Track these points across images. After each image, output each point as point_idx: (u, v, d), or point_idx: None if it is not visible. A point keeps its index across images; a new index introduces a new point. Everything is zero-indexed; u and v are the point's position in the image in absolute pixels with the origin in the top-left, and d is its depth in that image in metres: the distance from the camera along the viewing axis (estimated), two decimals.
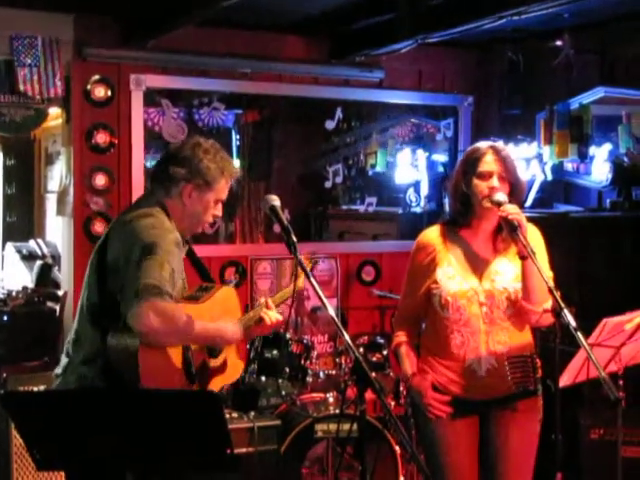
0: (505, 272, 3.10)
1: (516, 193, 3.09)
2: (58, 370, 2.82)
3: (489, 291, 3.08)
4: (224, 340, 2.86)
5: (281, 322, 3.06)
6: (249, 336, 3.10)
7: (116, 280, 2.66)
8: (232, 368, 2.98)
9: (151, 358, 2.61)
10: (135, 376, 2.57)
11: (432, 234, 3.20)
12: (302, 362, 4.50)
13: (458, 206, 3.14)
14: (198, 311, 2.78)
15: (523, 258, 2.95)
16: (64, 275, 5.56)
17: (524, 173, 5.34)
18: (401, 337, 3.23)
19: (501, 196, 3.01)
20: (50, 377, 2.91)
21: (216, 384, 2.92)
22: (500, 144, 3.24)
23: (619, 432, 3.20)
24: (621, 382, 3.20)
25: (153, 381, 2.59)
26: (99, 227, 5.14)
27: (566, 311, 2.70)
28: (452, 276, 3.10)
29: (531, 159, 5.50)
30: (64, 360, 2.81)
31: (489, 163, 3.06)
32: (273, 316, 3.03)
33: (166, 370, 2.68)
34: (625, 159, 4.96)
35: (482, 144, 3.15)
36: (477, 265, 3.12)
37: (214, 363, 2.90)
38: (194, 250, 3.07)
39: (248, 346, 4.51)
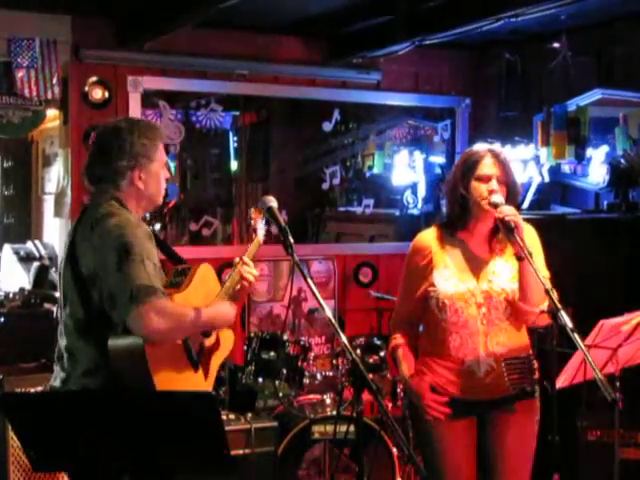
0: (502, 273, 3.10)
1: (513, 195, 3.11)
2: (56, 383, 2.74)
3: (486, 292, 3.08)
4: (226, 321, 2.83)
5: (257, 276, 2.98)
6: (237, 299, 2.99)
7: (97, 292, 2.61)
8: (225, 340, 2.95)
9: (156, 354, 2.57)
10: (146, 376, 2.53)
11: (428, 236, 3.21)
12: (299, 364, 4.50)
13: (455, 208, 3.15)
14: (185, 298, 2.74)
15: (520, 259, 2.95)
16: (62, 276, 5.55)
17: (521, 175, 5.34)
18: (398, 339, 3.23)
19: (498, 198, 3.02)
20: (47, 378, 2.89)
21: (216, 361, 2.89)
22: (498, 147, 3.25)
23: (616, 434, 3.20)
24: (618, 384, 3.20)
25: (163, 376, 2.56)
26: None
27: (563, 312, 2.71)
28: (449, 278, 3.11)
29: (528, 161, 5.50)
30: (61, 374, 2.72)
31: (488, 166, 3.07)
32: (252, 271, 2.94)
33: (172, 362, 2.65)
34: (622, 161, 4.97)
35: (480, 147, 3.16)
36: (474, 267, 3.13)
37: (209, 342, 2.87)
38: (157, 234, 3.03)
39: (245, 347, 4.51)
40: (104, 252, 2.60)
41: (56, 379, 2.75)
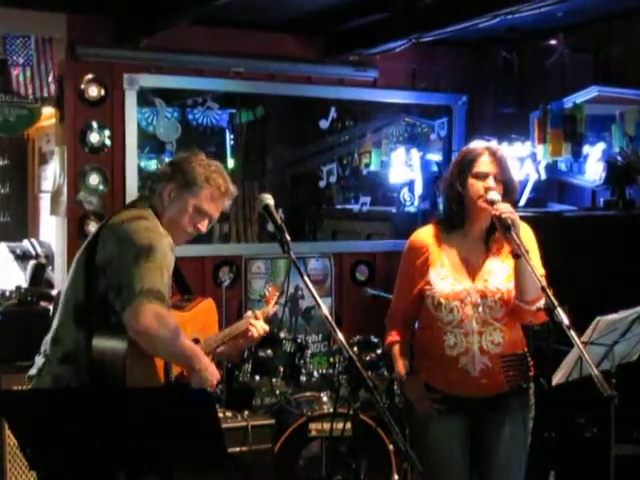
0: (498, 272, 3.10)
1: (510, 193, 3.11)
2: (33, 371, 2.77)
3: (482, 291, 3.08)
4: (200, 373, 2.75)
5: (267, 331, 3.14)
6: (236, 347, 3.12)
7: (105, 280, 2.64)
8: (208, 382, 2.96)
9: (137, 364, 2.60)
10: (120, 379, 2.56)
11: (425, 234, 3.21)
12: (296, 361, 4.51)
13: (452, 206, 3.15)
14: (182, 319, 2.77)
15: (516, 257, 2.95)
16: (58, 275, 5.55)
17: (518, 172, 5.34)
18: (394, 337, 3.24)
19: (494, 195, 3.02)
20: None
21: None
22: (495, 144, 3.25)
23: (612, 430, 3.20)
24: (614, 380, 3.21)
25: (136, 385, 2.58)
26: (93, 227, 5.12)
27: (559, 309, 2.70)
28: (445, 277, 3.11)
29: (525, 158, 5.50)
30: (40, 361, 2.76)
31: (485, 164, 3.07)
32: (261, 326, 3.09)
33: (149, 380, 2.67)
34: (619, 158, 4.97)
35: (477, 144, 3.16)
36: (470, 266, 3.13)
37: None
38: (177, 263, 3.04)
39: None
40: (127, 245, 2.63)
41: (34, 367, 2.78)
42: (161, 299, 2.55)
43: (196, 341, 2.87)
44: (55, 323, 2.78)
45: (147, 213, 2.77)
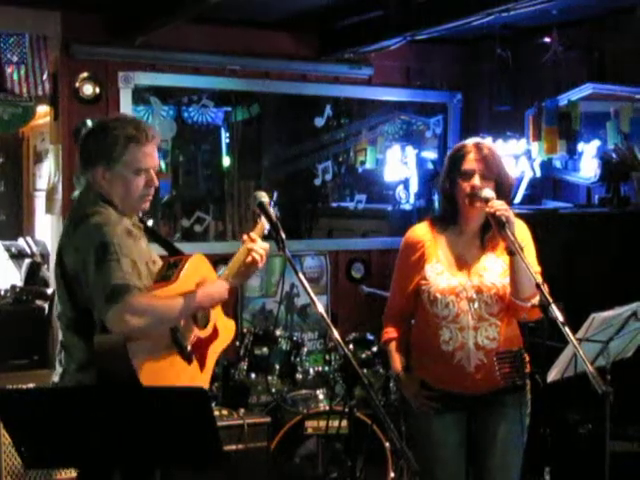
0: (493, 268, 3.11)
1: (502, 190, 3.10)
2: (55, 378, 2.78)
3: (478, 287, 3.08)
4: (213, 300, 2.78)
5: (267, 250, 2.89)
6: (245, 277, 2.95)
7: (82, 290, 2.64)
8: (225, 330, 2.94)
9: (142, 349, 2.58)
10: (129, 371, 2.54)
11: (420, 231, 3.21)
12: (292, 359, 4.51)
13: (445, 204, 3.16)
14: (175, 291, 2.73)
15: (511, 254, 2.95)
16: (53, 273, 5.54)
17: (513, 170, 5.35)
18: (390, 333, 3.24)
19: (488, 192, 3.02)
20: (39, 375, 2.91)
21: (215, 351, 2.87)
22: (485, 141, 3.25)
23: (607, 427, 3.21)
24: (609, 377, 3.21)
25: (151, 370, 2.57)
26: None
27: (554, 306, 2.71)
28: (441, 272, 3.11)
29: (520, 156, 5.50)
30: (59, 369, 2.78)
31: (471, 162, 3.07)
32: (260, 247, 2.87)
33: (161, 356, 2.65)
34: (613, 155, 4.97)
35: (468, 142, 3.16)
36: (465, 261, 3.13)
37: (205, 333, 2.85)
38: (154, 228, 3.02)
39: (238, 342, 4.51)
40: (84, 252, 2.62)
41: (56, 375, 2.79)
42: (126, 291, 2.53)
43: None
44: (60, 336, 2.79)
45: (95, 206, 2.70)
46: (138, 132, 2.75)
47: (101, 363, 2.58)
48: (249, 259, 2.86)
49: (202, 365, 2.80)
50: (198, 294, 2.74)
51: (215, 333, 2.90)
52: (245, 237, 2.89)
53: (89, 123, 2.81)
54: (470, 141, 3.15)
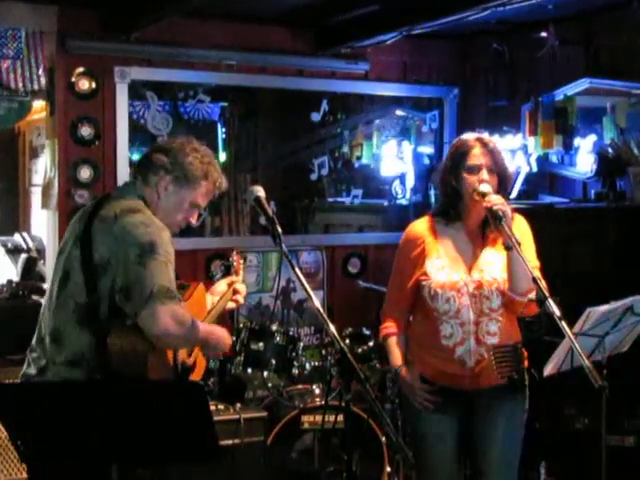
0: (494, 263, 3.11)
1: (504, 185, 3.11)
2: (31, 370, 2.68)
3: (478, 282, 3.08)
4: (219, 343, 2.84)
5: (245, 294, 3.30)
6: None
7: (107, 280, 2.58)
8: (199, 366, 2.99)
9: (155, 358, 2.60)
10: (142, 375, 2.55)
11: (421, 226, 3.21)
12: (288, 354, 4.50)
13: (447, 199, 3.15)
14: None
15: (508, 248, 2.95)
16: (49, 268, 5.54)
17: (509, 164, 5.34)
18: (390, 328, 3.24)
19: (485, 187, 3.02)
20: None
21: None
22: (487, 136, 3.25)
23: (603, 421, 3.21)
24: (605, 371, 3.22)
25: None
26: None
27: (550, 300, 2.71)
28: (441, 267, 3.11)
29: (516, 150, 5.51)
30: (40, 361, 2.67)
31: (477, 156, 3.07)
32: (243, 291, 3.25)
33: (164, 369, 2.68)
34: (610, 150, 4.98)
35: (469, 136, 3.15)
36: (466, 256, 3.13)
37: (189, 362, 2.89)
38: None
39: (234, 338, 4.51)
40: (126, 244, 2.57)
41: (31, 366, 2.69)
42: (172, 297, 2.53)
43: None
44: (52, 322, 2.67)
45: (139, 204, 2.69)
46: (218, 176, 2.84)
47: (116, 364, 2.55)
48: (230, 305, 3.22)
49: None
50: (212, 330, 2.82)
51: (194, 365, 2.94)
52: (223, 287, 3.22)
53: (187, 138, 2.85)
54: (471, 136, 3.15)
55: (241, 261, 3.39)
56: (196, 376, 2.99)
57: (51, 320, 2.68)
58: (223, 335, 2.87)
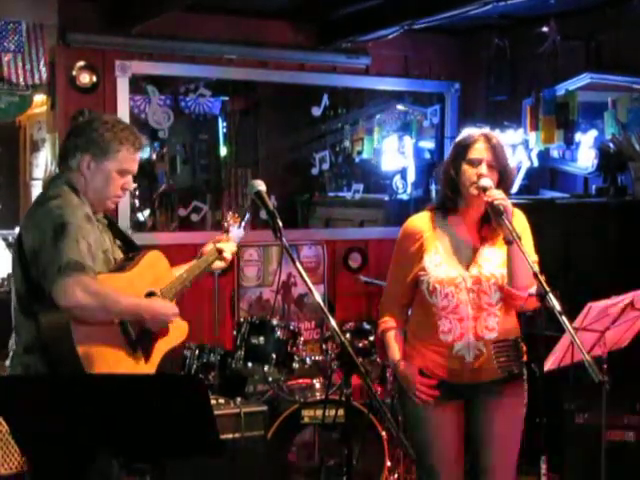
0: (492, 258, 3.10)
1: (504, 181, 3.11)
2: (7, 362, 2.87)
3: (477, 277, 3.08)
4: (154, 317, 2.82)
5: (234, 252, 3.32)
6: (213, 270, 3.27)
7: (37, 268, 2.69)
8: (176, 330, 2.97)
9: (88, 332, 2.64)
10: (72, 351, 2.59)
11: (420, 221, 3.20)
12: (289, 348, 4.50)
13: (447, 192, 3.15)
14: (126, 280, 2.81)
15: (508, 243, 2.96)
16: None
17: (510, 159, 5.34)
18: (388, 323, 3.24)
19: (486, 181, 3.02)
20: None
21: (161, 347, 2.92)
22: (492, 132, 3.24)
23: (603, 416, 3.22)
24: (605, 366, 3.22)
25: (93, 354, 2.62)
26: None
27: (551, 295, 2.71)
28: (440, 263, 3.11)
29: (517, 145, 5.51)
30: (10, 353, 2.86)
31: (479, 150, 3.06)
32: (229, 249, 3.25)
33: (106, 341, 2.70)
34: (611, 145, 4.98)
35: (474, 131, 3.15)
36: (465, 252, 3.13)
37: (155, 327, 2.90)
38: (114, 221, 3.07)
39: (235, 332, 4.52)
40: (42, 229, 2.70)
41: (8, 358, 2.88)
42: (80, 269, 2.61)
43: (150, 294, 2.89)
44: (13, 315, 2.85)
45: (60, 190, 2.80)
46: (134, 138, 2.91)
47: (46, 342, 2.66)
48: (218, 264, 3.24)
49: (147, 356, 2.85)
50: (144, 303, 2.84)
51: (166, 330, 2.93)
52: (211, 247, 3.23)
53: (87, 113, 2.92)
54: (477, 130, 3.15)
55: (231, 221, 3.39)
56: (173, 341, 2.97)
57: (12, 313, 2.85)
58: (162, 309, 2.85)
